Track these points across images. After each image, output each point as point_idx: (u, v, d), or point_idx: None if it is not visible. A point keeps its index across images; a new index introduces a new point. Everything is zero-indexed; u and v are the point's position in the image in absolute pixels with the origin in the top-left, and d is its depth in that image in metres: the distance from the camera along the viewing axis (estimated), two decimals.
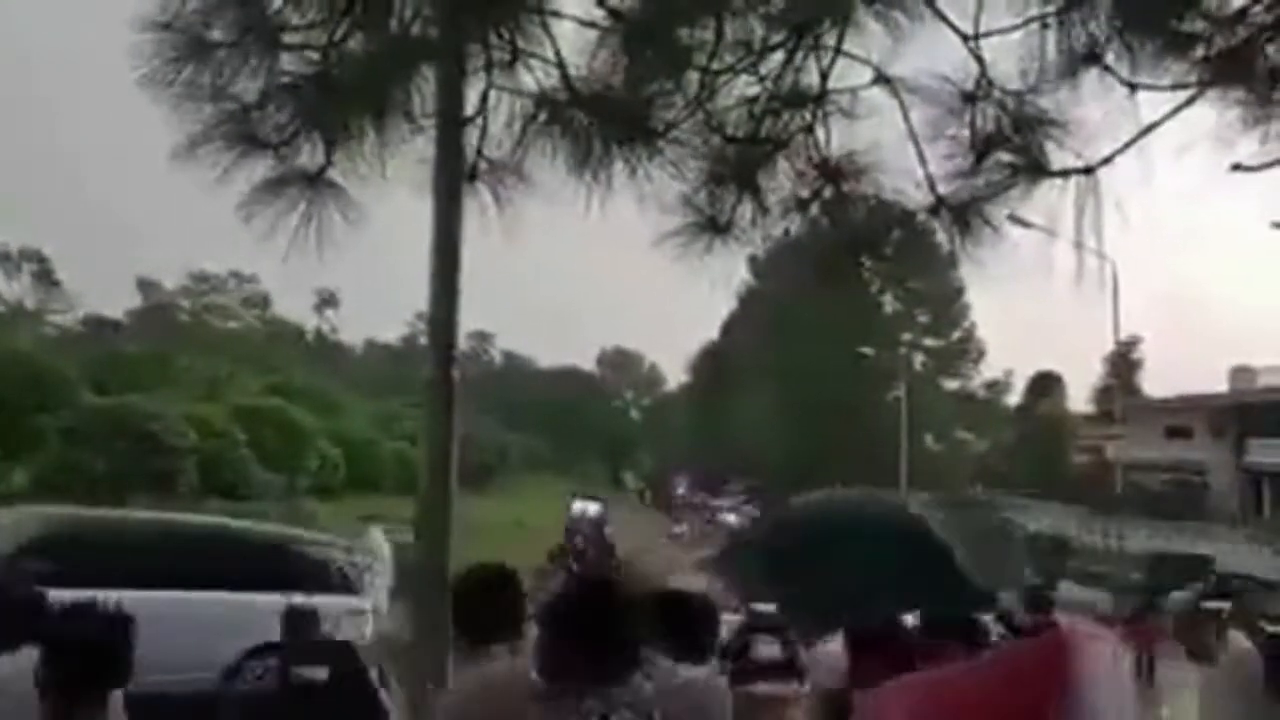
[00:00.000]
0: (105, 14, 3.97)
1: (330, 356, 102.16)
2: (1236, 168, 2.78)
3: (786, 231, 4.19)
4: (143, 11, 3.50)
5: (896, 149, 3.84)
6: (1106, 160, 3.16)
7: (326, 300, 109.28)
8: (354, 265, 4.14)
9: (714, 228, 4.03)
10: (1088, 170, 3.20)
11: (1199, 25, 3.36)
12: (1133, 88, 3.15)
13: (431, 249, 3.90)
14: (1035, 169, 3.31)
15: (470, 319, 4.13)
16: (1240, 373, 54.49)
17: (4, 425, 37.47)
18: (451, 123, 3.54)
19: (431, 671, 3.80)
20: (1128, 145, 3.08)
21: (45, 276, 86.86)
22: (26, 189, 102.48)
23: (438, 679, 3.73)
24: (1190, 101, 3.01)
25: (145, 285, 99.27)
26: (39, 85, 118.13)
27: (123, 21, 3.57)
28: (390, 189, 3.98)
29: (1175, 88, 3.06)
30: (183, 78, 3.47)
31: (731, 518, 56.85)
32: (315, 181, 3.69)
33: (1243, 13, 3.33)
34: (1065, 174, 3.24)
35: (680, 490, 78.20)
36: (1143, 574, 34.31)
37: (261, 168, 3.74)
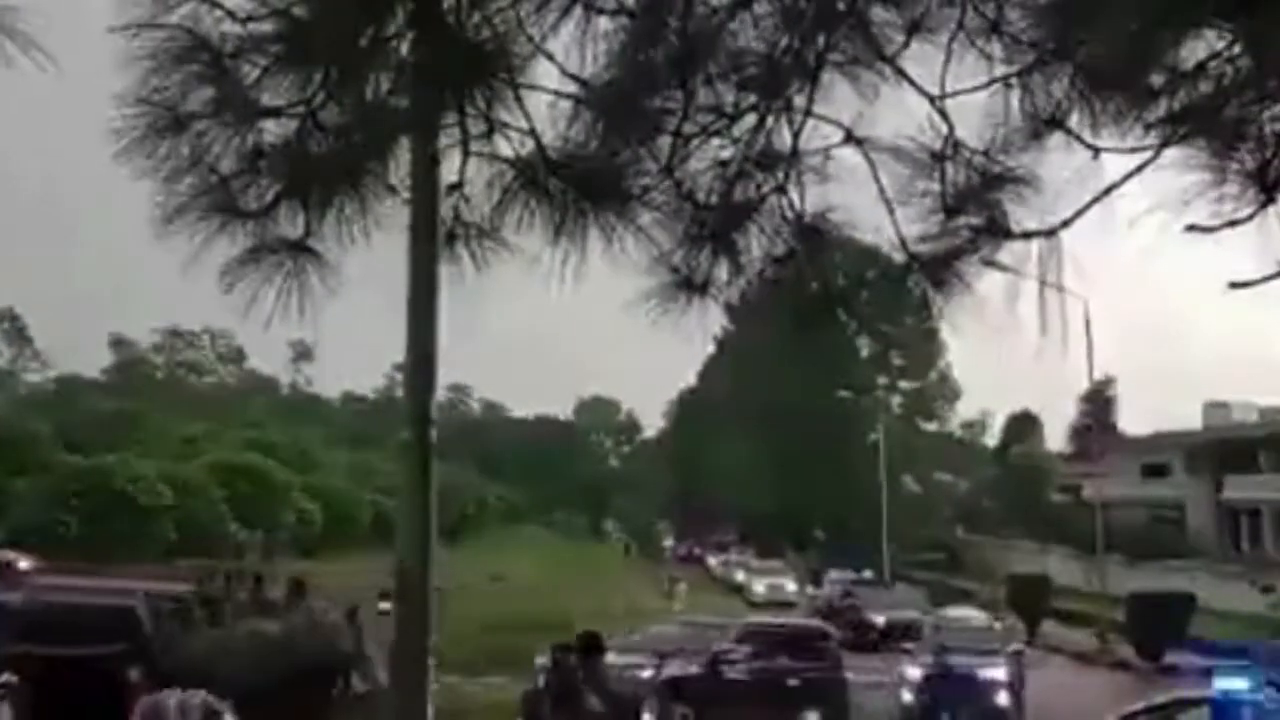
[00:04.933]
0: (81, 87, 4.02)
1: (306, 409, 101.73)
2: (1191, 228, 2.85)
3: (761, 276, 4.24)
4: (119, 87, 3.53)
5: (869, 209, 3.91)
6: (1067, 223, 3.24)
7: (302, 354, 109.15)
8: (329, 318, 4.16)
9: (690, 287, 4.07)
10: (1049, 233, 3.28)
11: (1160, 80, 3.44)
12: (1095, 151, 3.23)
13: (408, 315, 3.94)
14: (998, 232, 3.38)
15: (447, 371, 4.17)
16: (1214, 408, 55.00)
17: None
18: (427, 193, 3.60)
19: None
20: (1088, 207, 3.16)
21: (18, 335, 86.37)
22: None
23: None
24: (1150, 161, 3.09)
25: (118, 343, 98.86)
26: (13, 146, 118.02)
27: (101, 95, 3.61)
28: (363, 249, 4.01)
29: (1134, 150, 3.14)
30: (161, 151, 3.51)
31: (741, 575, 53.85)
32: (296, 250, 3.73)
33: (1202, 67, 3.41)
34: (1028, 236, 3.32)
35: (668, 543, 77.24)
36: (1126, 615, 34.33)
37: (241, 237, 3.77)
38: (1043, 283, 3.18)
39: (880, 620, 34.19)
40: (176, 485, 38.60)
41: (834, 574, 49.93)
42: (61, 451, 40.41)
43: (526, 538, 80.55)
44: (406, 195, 3.71)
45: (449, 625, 9.75)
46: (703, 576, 58.54)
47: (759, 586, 50.52)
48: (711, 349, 78.63)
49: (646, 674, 18.93)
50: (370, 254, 4.04)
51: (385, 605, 12.27)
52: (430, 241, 3.71)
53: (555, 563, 52.18)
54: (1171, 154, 3.26)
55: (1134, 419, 78.55)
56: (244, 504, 43.24)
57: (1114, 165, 3.41)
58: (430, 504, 4.06)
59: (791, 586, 51.14)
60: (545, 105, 3.59)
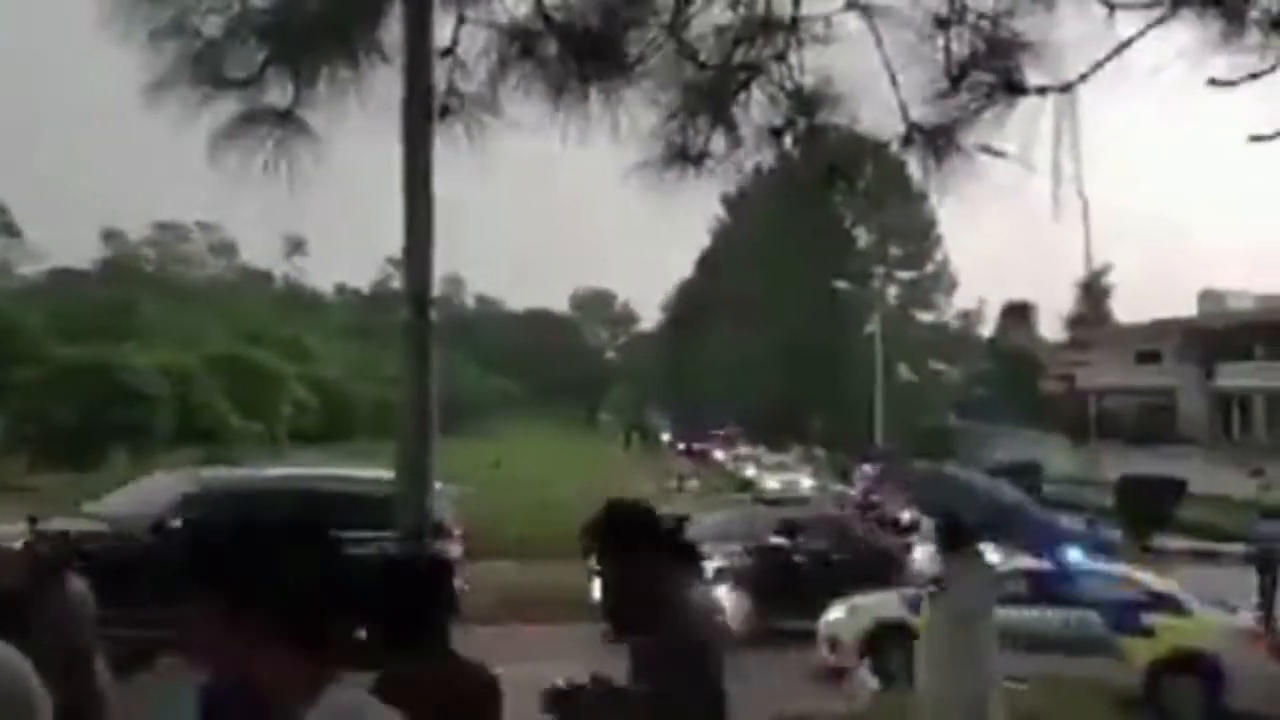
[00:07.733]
0: None
1: (300, 302, 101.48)
2: (1213, 82, 2.77)
3: (758, 169, 4.17)
4: None
5: (870, 77, 3.81)
6: (1084, 77, 3.14)
7: (295, 246, 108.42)
8: (320, 210, 4.04)
9: (686, 158, 4.00)
10: (1065, 88, 3.18)
11: None
12: (1110, 8, 3.12)
13: (403, 186, 3.84)
14: (1011, 88, 3.29)
15: (440, 264, 4.08)
16: (1208, 296, 55.00)
17: None
18: (420, 59, 3.49)
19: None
20: (1105, 61, 3.06)
21: (7, 229, 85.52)
22: None
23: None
24: (1167, 16, 2.99)
25: (110, 236, 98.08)
26: None
27: None
28: (355, 133, 3.90)
29: (1150, 5, 3.04)
30: (145, 15, 3.39)
31: (751, 470, 51.91)
32: (284, 119, 3.63)
33: None
34: (1043, 91, 3.22)
35: (665, 436, 76.81)
36: (1115, 498, 34.78)
37: (229, 107, 3.67)
38: (1057, 140, 3.09)
39: (905, 516, 33.13)
40: (174, 376, 38.64)
41: (866, 468, 47.79)
42: (58, 343, 40.32)
43: (523, 428, 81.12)
44: (399, 63, 3.60)
45: None
46: (706, 469, 57.75)
47: (772, 482, 48.42)
48: (708, 241, 78.51)
49: None
50: (361, 141, 3.93)
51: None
52: (424, 108, 3.61)
53: (553, 452, 52.52)
54: (1181, 22, 3.16)
55: (1129, 307, 78.88)
56: (241, 395, 43.37)
57: (1127, 33, 3.31)
58: (430, 384, 4.00)
59: (807, 482, 48.96)
60: None
